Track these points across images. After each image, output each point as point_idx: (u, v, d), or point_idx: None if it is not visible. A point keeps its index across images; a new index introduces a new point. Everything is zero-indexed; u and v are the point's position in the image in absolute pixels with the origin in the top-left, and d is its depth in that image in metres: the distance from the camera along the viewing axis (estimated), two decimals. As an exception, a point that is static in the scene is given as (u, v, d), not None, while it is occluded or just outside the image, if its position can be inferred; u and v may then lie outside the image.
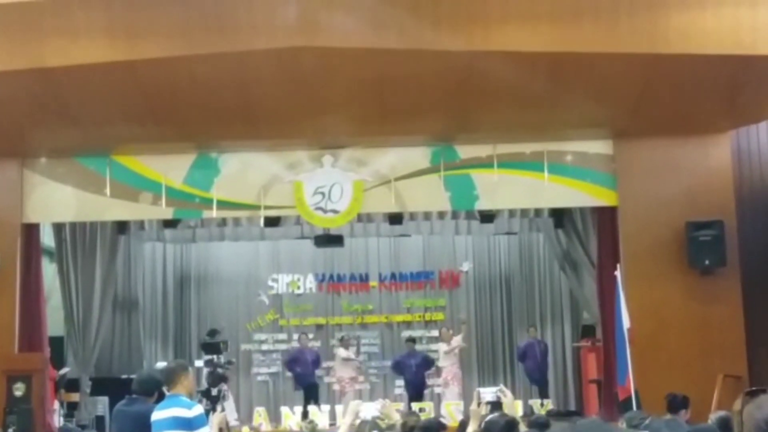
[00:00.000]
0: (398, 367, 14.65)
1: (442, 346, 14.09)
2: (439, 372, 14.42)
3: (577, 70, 10.37)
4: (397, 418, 5.70)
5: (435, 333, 15.19)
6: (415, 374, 14.28)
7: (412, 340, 14.82)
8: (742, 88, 10.78)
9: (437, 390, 14.71)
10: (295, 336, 15.57)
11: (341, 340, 14.53)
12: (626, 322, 10.10)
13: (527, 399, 13.54)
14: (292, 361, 14.53)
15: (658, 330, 11.53)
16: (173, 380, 6.29)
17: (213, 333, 13.53)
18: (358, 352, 14.65)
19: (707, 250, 11.61)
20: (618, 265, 10.78)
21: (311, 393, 14.04)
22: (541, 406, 12.72)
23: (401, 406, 12.63)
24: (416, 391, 14.16)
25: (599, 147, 12.28)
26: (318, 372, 14.83)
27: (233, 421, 11.91)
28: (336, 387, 14.58)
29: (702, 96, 10.96)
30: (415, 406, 12.38)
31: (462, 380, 13.94)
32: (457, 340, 14.00)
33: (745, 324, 11.69)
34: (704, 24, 9.96)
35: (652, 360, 11.22)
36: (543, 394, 13.78)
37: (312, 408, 12.66)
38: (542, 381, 14.31)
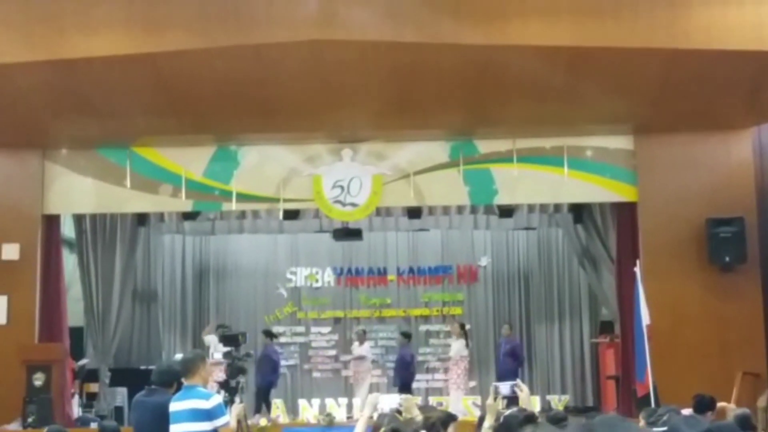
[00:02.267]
0: None
1: (453, 341, 13.91)
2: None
3: (598, 65, 10.32)
4: (417, 413, 5.69)
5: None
6: (394, 368, 14.33)
7: (404, 335, 14.59)
8: (764, 84, 10.69)
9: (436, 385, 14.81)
10: (313, 329, 15.64)
11: (357, 334, 14.52)
12: (645, 318, 10.05)
13: (544, 394, 13.49)
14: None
15: (677, 326, 11.48)
16: (191, 370, 6.33)
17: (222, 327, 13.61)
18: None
19: (728, 246, 11.56)
20: (637, 261, 10.74)
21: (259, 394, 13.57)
22: (559, 402, 12.69)
23: (419, 399, 12.59)
24: (398, 383, 13.93)
25: (620, 142, 12.23)
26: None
27: None
28: (352, 381, 14.60)
29: (723, 92, 10.88)
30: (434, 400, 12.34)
31: (460, 384, 13.54)
32: (456, 346, 13.72)
33: (765, 321, 11.62)
34: (726, 19, 9.90)
35: (671, 356, 11.17)
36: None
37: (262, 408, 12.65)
38: (502, 376, 13.69)
